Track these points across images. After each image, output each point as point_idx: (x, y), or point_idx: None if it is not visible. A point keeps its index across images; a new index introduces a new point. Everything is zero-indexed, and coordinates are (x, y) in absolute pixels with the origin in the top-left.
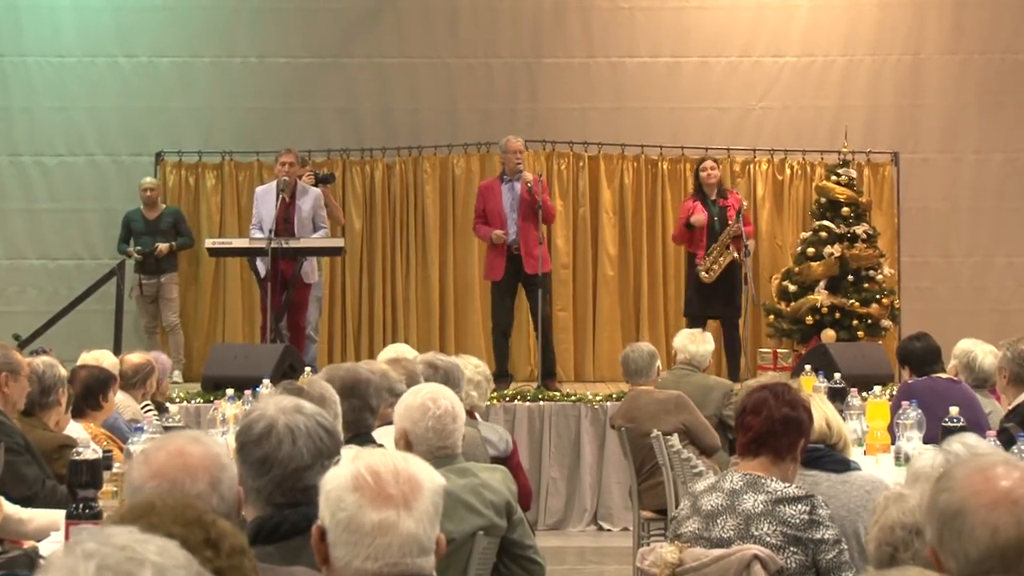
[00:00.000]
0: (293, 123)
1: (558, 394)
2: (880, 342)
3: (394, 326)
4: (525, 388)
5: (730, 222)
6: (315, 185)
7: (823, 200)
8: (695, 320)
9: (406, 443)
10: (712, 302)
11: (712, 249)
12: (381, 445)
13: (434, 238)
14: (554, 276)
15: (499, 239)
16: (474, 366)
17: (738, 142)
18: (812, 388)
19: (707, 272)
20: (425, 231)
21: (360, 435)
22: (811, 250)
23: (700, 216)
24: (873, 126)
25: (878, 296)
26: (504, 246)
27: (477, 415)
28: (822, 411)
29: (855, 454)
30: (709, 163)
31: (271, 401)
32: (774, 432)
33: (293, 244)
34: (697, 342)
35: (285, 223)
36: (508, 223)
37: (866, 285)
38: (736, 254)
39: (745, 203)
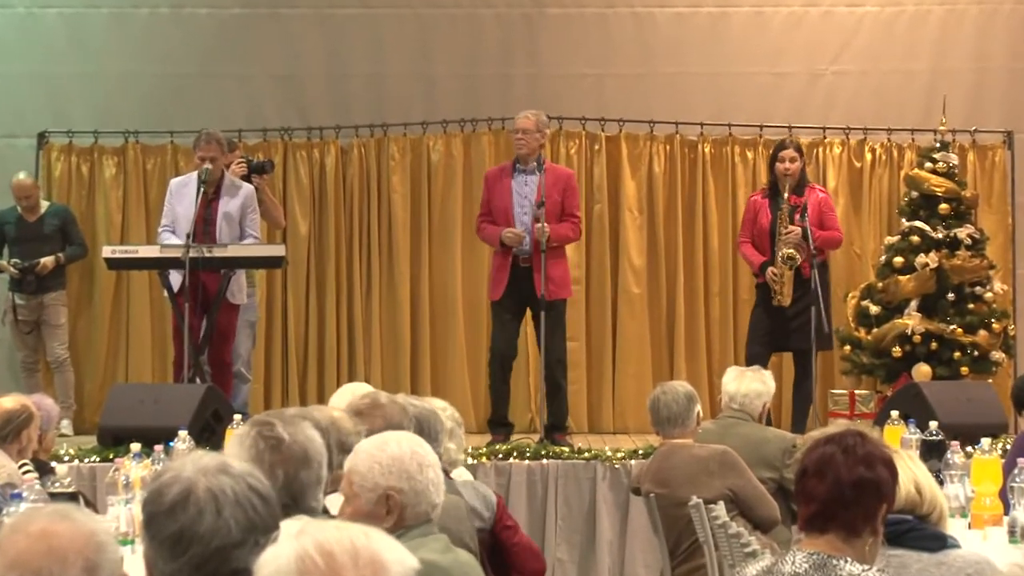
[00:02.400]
0: (218, 94)
1: (567, 450)
2: (990, 381)
3: (351, 360)
4: (524, 441)
5: (787, 227)
6: (247, 177)
7: (914, 194)
8: (757, 356)
9: (395, 507)
10: (783, 330)
11: (777, 264)
12: (333, 516)
13: (403, 244)
14: None
15: (513, 240)
16: (440, 409)
17: (803, 118)
18: (900, 442)
19: (780, 296)
20: (392, 235)
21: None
22: (899, 260)
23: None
24: (980, 97)
25: (987, 320)
26: (511, 254)
27: (453, 474)
28: (910, 472)
29: (956, 527)
30: (789, 152)
31: (188, 460)
32: (844, 500)
33: (218, 253)
34: (746, 381)
35: (206, 226)
36: (517, 228)
37: (971, 306)
38: (796, 255)
39: (822, 195)
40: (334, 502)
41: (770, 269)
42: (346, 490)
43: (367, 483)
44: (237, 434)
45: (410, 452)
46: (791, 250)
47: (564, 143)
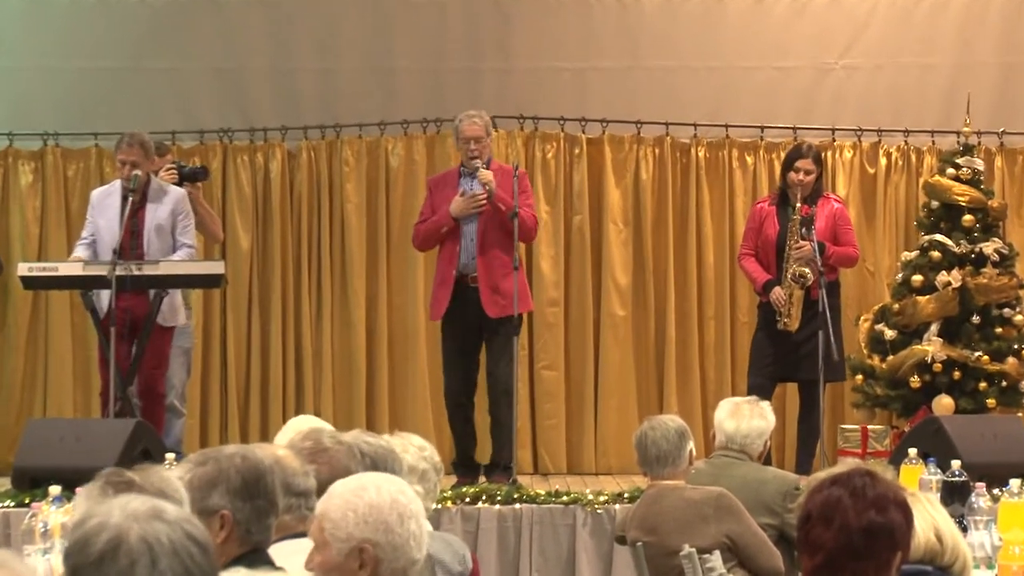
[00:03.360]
0: (148, 91)
1: (542, 493)
2: (1020, 415)
3: (299, 392)
4: (494, 486)
5: (798, 240)
6: (179, 184)
7: (935, 204)
8: (759, 387)
9: (369, 562)
10: (789, 358)
11: (785, 283)
12: (280, 568)
13: (358, 260)
14: (537, 317)
15: (466, 207)
16: (417, 449)
17: (809, 118)
18: (918, 483)
19: (787, 319)
20: (346, 250)
21: (255, 551)
22: (917, 278)
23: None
24: (1009, 95)
25: (1017, 347)
26: (452, 268)
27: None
28: (930, 517)
29: None
30: (807, 163)
31: (115, 504)
32: (854, 549)
33: (149, 271)
34: (746, 418)
35: (133, 239)
36: (463, 239)
37: (999, 330)
38: (808, 274)
39: (838, 206)
40: (282, 550)
41: (776, 289)
42: (316, 536)
43: (339, 532)
44: (82, 491)
45: (390, 501)
46: (803, 267)
47: (540, 146)
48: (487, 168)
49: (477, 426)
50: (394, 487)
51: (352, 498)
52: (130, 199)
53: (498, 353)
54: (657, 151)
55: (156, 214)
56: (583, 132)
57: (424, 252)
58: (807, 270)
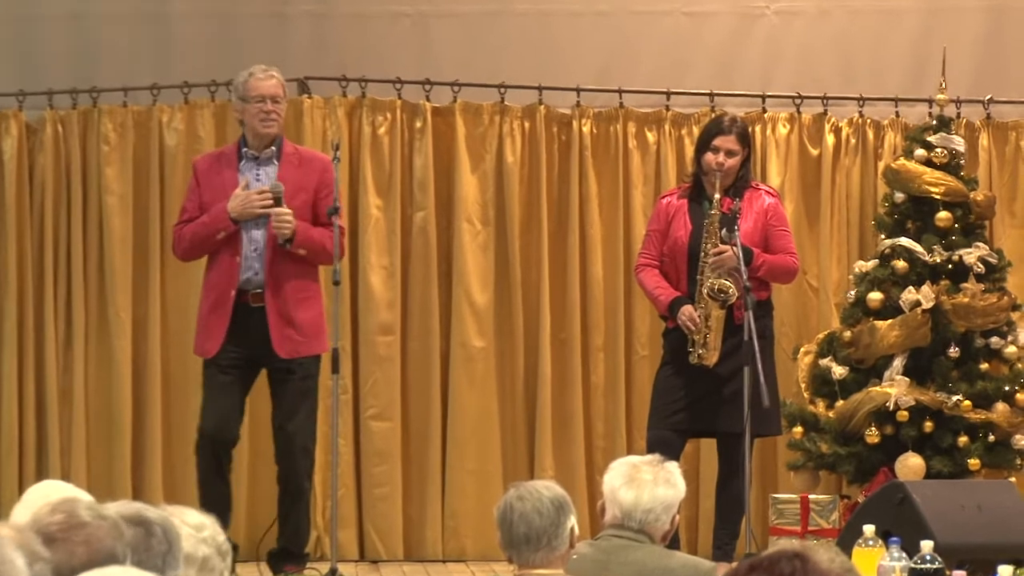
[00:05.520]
0: None
1: None
2: (1012, 479)
3: (41, 449)
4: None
5: (717, 245)
6: None
7: (899, 197)
8: (665, 442)
9: None
10: (705, 403)
11: (699, 300)
12: None
13: (122, 271)
14: (364, 348)
15: (245, 208)
16: (193, 529)
17: (730, 81)
18: (877, 571)
19: (702, 349)
20: (105, 257)
21: None
22: (875, 296)
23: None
24: (997, 50)
25: (1008, 388)
26: (230, 286)
27: None
28: None
29: None
30: (729, 140)
31: None
32: None
33: None
34: (647, 487)
35: None
36: (245, 247)
37: (984, 366)
38: (730, 289)
39: (770, 200)
40: None
41: (686, 308)
42: None
43: None
44: None
45: None
46: (723, 280)
47: (368, 118)
48: (280, 152)
49: (262, 496)
50: None
51: None
52: None
53: (293, 403)
54: (527, 125)
55: None
56: (427, 99)
57: (188, 262)
58: (729, 283)
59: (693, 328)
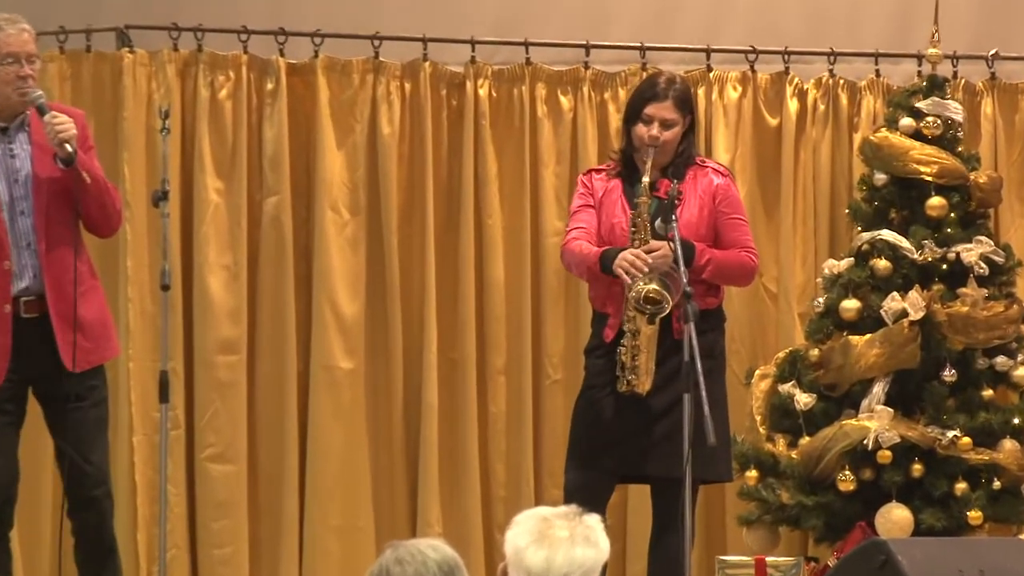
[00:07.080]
0: None
1: None
2: (1023, 536)
3: None
4: None
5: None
6: None
7: (880, 179)
8: (585, 491)
9: None
10: (635, 442)
11: (627, 312)
12: None
13: None
14: (201, 371)
15: None
16: None
17: (670, 33)
18: None
19: (631, 375)
20: None
21: None
22: (851, 305)
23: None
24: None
25: (1019, 421)
26: (8, 297)
27: None
28: None
29: None
30: (664, 106)
31: None
32: None
33: None
34: (563, 547)
35: None
36: (11, 245)
37: (988, 393)
38: (664, 296)
39: (719, 180)
40: None
41: (625, 254)
42: None
43: None
44: None
45: None
46: (653, 284)
47: (205, 78)
48: (27, 120)
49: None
50: None
51: None
52: None
53: (89, 436)
54: (408, 86)
55: None
56: (281, 54)
57: None
58: (660, 289)
59: (639, 276)
